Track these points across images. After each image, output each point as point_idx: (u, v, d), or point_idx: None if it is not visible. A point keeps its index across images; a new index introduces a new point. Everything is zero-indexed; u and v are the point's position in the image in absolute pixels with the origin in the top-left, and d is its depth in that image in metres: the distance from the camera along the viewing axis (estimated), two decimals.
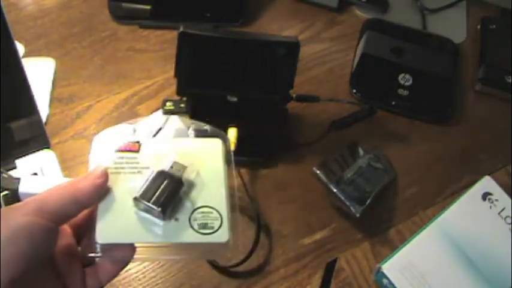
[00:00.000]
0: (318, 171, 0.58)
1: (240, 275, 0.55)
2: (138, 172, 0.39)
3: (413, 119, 0.68)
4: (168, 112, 0.57)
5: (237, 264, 0.54)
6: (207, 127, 0.45)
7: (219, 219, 0.38)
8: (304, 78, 0.69)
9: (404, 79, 0.69)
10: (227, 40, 0.56)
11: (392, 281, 0.52)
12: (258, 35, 0.63)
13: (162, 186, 0.38)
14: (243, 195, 0.58)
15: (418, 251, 0.54)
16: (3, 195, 0.51)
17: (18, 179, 0.46)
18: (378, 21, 0.75)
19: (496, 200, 0.58)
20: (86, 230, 0.38)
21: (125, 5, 0.72)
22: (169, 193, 0.38)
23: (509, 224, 0.57)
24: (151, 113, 0.63)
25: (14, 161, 0.56)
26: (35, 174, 0.56)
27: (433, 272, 0.53)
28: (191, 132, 0.45)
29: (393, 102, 0.67)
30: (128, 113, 0.64)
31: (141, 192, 0.38)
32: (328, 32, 0.75)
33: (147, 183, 0.38)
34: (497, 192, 0.59)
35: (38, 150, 0.57)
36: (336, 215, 0.59)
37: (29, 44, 0.68)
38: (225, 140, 0.43)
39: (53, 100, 0.64)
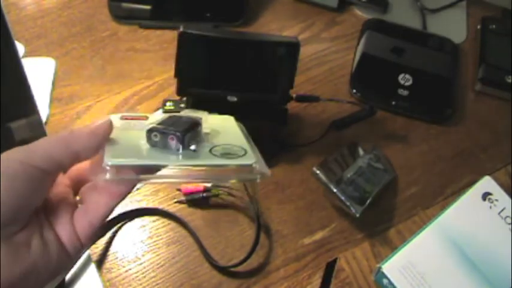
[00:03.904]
0: (318, 171, 0.58)
1: (240, 275, 0.55)
2: None
3: (413, 119, 0.68)
4: (168, 112, 0.57)
5: (237, 264, 0.54)
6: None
7: (243, 150, 0.37)
8: (304, 78, 0.69)
9: (405, 79, 0.69)
10: (227, 40, 0.56)
11: (392, 281, 0.52)
12: (258, 35, 0.63)
13: (180, 120, 0.36)
14: (243, 195, 0.58)
15: (418, 251, 0.54)
16: None
17: None
18: (378, 21, 0.75)
19: (496, 200, 0.58)
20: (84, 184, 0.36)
21: (124, 5, 0.72)
22: (188, 123, 0.36)
23: (509, 224, 0.57)
24: (152, 113, 0.63)
25: None
26: None
27: (433, 272, 0.53)
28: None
29: (393, 102, 0.67)
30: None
31: (156, 123, 0.35)
32: (328, 32, 0.75)
33: (162, 119, 0.36)
34: (497, 192, 0.58)
35: None
36: (336, 215, 0.59)
37: (29, 44, 0.68)
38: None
39: (53, 100, 0.64)
